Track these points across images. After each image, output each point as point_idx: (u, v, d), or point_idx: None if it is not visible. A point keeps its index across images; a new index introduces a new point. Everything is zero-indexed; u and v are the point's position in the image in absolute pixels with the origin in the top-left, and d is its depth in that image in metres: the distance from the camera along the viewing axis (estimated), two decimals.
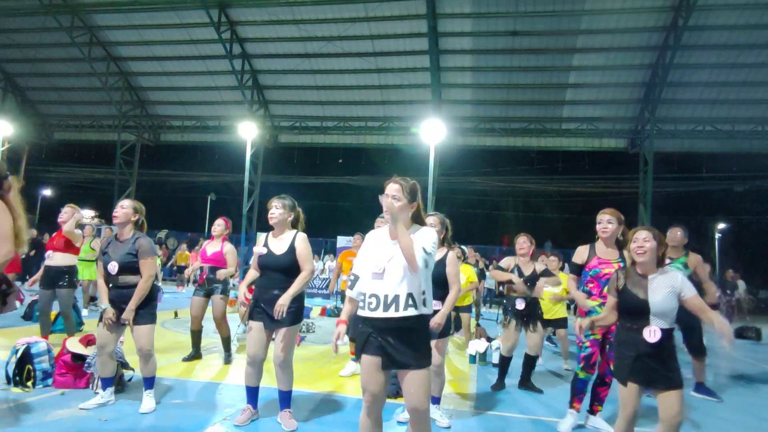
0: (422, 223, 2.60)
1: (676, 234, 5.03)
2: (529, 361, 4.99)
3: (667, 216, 20.15)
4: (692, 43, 16.16)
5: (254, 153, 20.09)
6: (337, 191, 26.50)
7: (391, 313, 2.37)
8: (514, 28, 16.62)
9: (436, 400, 3.86)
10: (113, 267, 3.66)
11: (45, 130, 24.04)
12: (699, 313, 2.81)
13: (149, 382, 3.79)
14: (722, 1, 15.05)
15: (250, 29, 18.59)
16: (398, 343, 2.37)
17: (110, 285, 3.74)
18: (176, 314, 9.09)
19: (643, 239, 2.87)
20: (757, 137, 18.24)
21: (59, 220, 5.58)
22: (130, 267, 3.67)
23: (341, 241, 17.46)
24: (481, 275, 11.37)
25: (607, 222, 3.83)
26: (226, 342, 5.57)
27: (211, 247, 5.62)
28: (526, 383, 5.00)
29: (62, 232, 5.55)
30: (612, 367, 3.62)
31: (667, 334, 2.78)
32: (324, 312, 10.66)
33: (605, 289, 3.77)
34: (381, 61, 18.41)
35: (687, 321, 5.06)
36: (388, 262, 2.42)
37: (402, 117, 20.14)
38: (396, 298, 2.37)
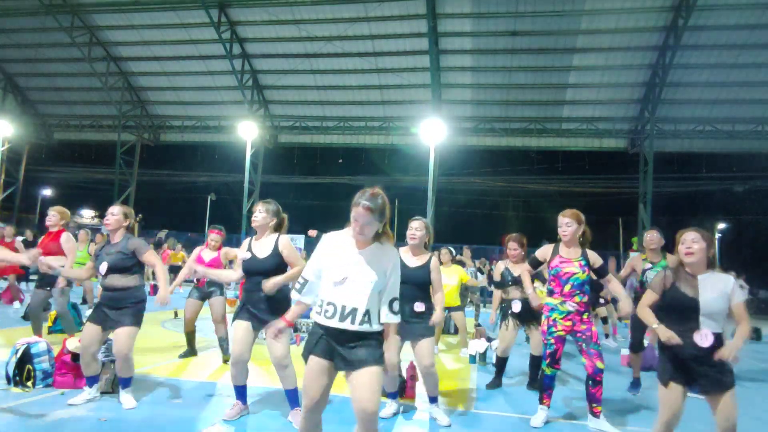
0: (387, 234, 2.45)
1: (652, 236, 5.06)
2: (535, 362, 4.98)
3: (668, 216, 20.19)
4: (692, 43, 16.16)
5: (254, 153, 20.10)
6: (337, 191, 26.47)
7: (347, 325, 2.32)
8: (514, 28, 16.63)
9: (434, 399, 3.90)
10: (103, 267, 3.76)
11: (45, 130, 24.04)
12: (739, 320, 2.75)
13: (125, 381, 3.83)
14: (722, 1, 15.06)
15: (250, 29, 18.60)
16: (351, 345, 2.33)
17: (101, 286, 3.88)
18: (176, 314, 9.08)
19: (691, 240, 2.82)
20: (757, 137, 18.25)
21: (47, 223, 5.49)
22: (120, 267, 3.76)
23: None
24: (481, 273, 11.48)
25: (566, 225, 3.89)
26: (224, 342, 5.59)
27: (208, 254, 5.63)
28: (534, 384, 4.97)
29: (52, 235, 5.43)
30: (597, 366, 3.72)
31: (717, 337, 2.73)
32: None
33: (566, 287, 3.84)
34: (381, 61, 18.41)
35: None
36: (351, 272, 2.35)
37: (402, 117, 20.14)
38: (354, 311, 2.32)
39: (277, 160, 24.03)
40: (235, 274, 3.78)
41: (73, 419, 3.47)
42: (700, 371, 2.72)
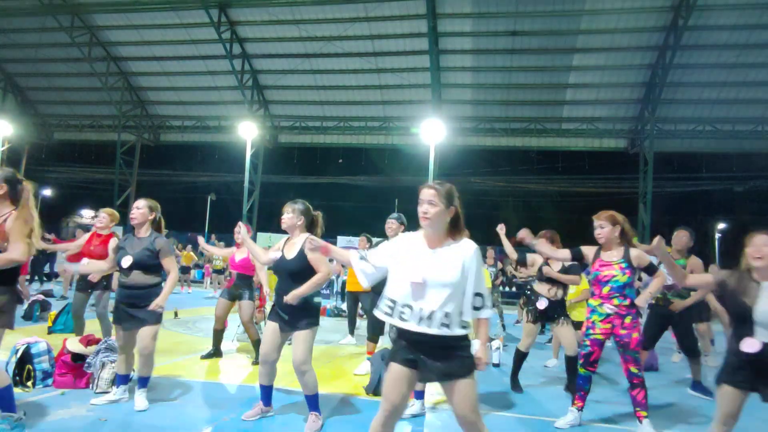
0: (461, 230, 2.40)
1: (681, 238, 5.02)
2: (571, 363, 4.71)
3: (668, 216, 20.18)
4: (692, 43, 16.16)
5: (254, 153, 20.09)
6: (337, 191, 26.46)
7: (424, 329, 2.25)
8: (514, 28, 16.62)
9: (420, 395, 3.97)
10: (127, 260, 3.70)
11: (45, 130, 24.03)
12: None
13: (144, 381, 3.81)
14: (722, 1, 15.05)
15: (250, 29, 18.59)
16: (434, 356, 2.28)
17: (120, 282, 3.78)
18: (176, 314, 9.09)
19: (763, 243, 2.68)
20: (757, 137, 18.24)
21: (97, 224, 5.53)
22: (144, 264, 3.72)
23: (341, 241, 17.47)
24: (502, 274, 11.50)
25: (599, 227, 3.84)
26: (256, 344, 5.56)
27: (239, 254, 5.70)
28: (571, 387, 4.75)
29: (102, 238, 5.46)
30: (631, 370, 3.70)
31: None
32: (324, 312, 10.67)
33: (604, 289, 3.79)
34: (381, 61, 18.40)
35: (679, 322, 5.09)
36: (425, 274, 2.28)
37: (402, 117, 20.14)
38: (431, 314, 2.25)
39: (277, 160, 24.03)
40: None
41: (73, 419, 3.47)
42: (756, 375, 2.67)
